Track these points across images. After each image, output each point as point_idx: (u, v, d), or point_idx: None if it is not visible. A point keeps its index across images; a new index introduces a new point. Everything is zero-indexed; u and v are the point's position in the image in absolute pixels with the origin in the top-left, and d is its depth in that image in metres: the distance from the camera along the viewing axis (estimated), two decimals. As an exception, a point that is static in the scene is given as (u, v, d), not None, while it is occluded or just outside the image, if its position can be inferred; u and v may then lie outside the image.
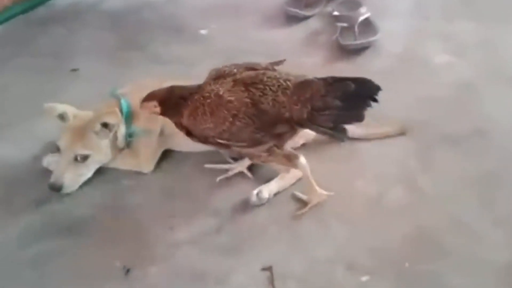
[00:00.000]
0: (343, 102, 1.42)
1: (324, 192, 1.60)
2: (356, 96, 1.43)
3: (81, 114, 1.71)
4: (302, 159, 1.55)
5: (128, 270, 1.46)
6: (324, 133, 1.48)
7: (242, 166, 1.70)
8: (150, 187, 1.69)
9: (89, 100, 1.85)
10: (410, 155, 1.71)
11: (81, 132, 1.66)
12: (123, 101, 1.70)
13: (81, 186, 1.69)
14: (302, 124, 1.48)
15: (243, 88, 1.47)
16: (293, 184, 1.65)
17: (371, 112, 1.81)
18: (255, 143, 1.51)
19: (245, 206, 1.61)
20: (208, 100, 1.48)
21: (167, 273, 1.46)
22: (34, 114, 1.92)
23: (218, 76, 1.53)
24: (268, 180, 1.65)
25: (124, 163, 1.74)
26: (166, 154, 1.77)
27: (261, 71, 1.52)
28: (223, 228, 1.56)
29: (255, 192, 1.60)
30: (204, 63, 1.78)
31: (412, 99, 1.91)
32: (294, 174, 1.64)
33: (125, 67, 2.15)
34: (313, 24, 2.34)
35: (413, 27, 2.26)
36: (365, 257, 1.45)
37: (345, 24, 2.18)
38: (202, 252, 1.50)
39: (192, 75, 1.70)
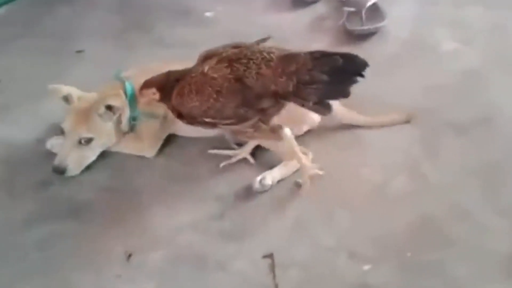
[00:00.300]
0: (330, 77, 1.42)
1: (314, 167, 1.60)
2: (344, 72, 1.42)
3: (85, 96, 1.70)
4: (287, 130, 1.54)
5: (129, 255, 1.47)
6: (308, 107, 1.47)
7: (245, 152, 1.69)
8: (153, 172, 1.69)
9: (94, 82, 1.84)
10: (415, 143, 1.70)
11: (85, 114, 1.65)
12: (127, 84, 1.69)
13: (85, 169, 1.69)
14: (287, 97, 1.47)
15: (226, 65, 1.48)
16: (296, 171, 1.64)
17: (376, 98, 1.83)
18: (241, 119, 1.52)
19: (248, 192, 1.60)
20: (194, 79, 1.48)
21: (168, 257, 1.46)
22: (39, 95, 1.92)
23: (206, 57, 1.53)
24: (271, 166, 1.64)
25: (127, 147, 1.74)
26: (170, 139, 1.76)
27: (245, 47, 1.51)
28: (226, 214, 1.56)
29: (258, 178, 1.60)
30: (209, 46, 1.76)
31: (418, 86, 1.89)
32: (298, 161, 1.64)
33: (131, 49, 2.14)
34: (320, 8, 2.32)
35: (421, 13, 2.23)
36: (367, 245, 1.45)
37: (352, 9, 2.16)
38: (204, 237, 1.50)
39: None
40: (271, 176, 1.60)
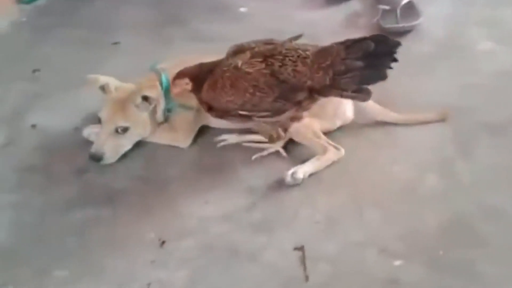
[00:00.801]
0: (364, 62, 1.42)
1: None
2: (377, 55, 1.42)
3: (122, 86, 1.73)
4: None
5: (163, 242, 1.49)
6: (347, 96, 1.48)
7: (278, 145, 1.71)
8: (186, 162, 1.71)
9: (129, 73, 1.88)
10: (448, 141, 1.69)
11: (122, 104, 1.69)
12: (163, 76, 1.72)
13: (120, 158, 1.72)
14: (325, 92, 1.48)
15: (261, 60, 1.49)
16: (328, 166, 1.65)
17: (410, 97, 1.83)
18: (277, 111, 1.53)
19: (279, 185, 1.62)
20: (227, 73, 1.50)
21: (200, 246, 1.48)
22: (76, 85, 1.96)
23: (237, 51, 1.55)
24: (303, 160, 1.66)
25: (162, 137, 1.76)
26: (203, 130, 1.78)
27: (279, 44, 1.53)
28: (257, 206, 1.57)
29: (290, 172, 1.61)
30: (243, 41, 1.78)
31: (453, 85, 1.88)
32: (329, 156, 1.65)
33: (166, 43, 2.17)
34: (354, 5, 2.32)
35: (457, 13, 2.22)
36: (398, 242, 1.45)
37: (387, 7, 2.16)
38: (235, 228, 1.52)
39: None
40: (303, 170, 1.62)
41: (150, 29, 2.27)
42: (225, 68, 1.51)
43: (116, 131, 1.69)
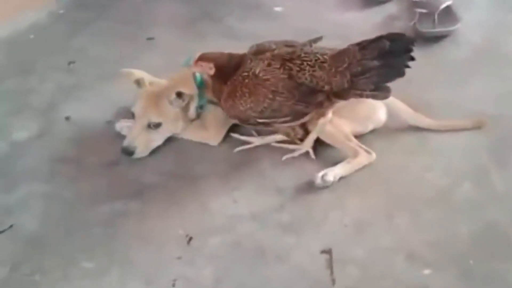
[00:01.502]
0: (380, 61, 1.43)
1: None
2: (393, 53, 1.43)
3: (156, 82, 1.74)
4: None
5: (190, 239, 1.50)
6: (367, 96, 1.48)
7: (307, 146, 1.69)
8: (216, 159, 1.71)
9: (162, 69, 1.89)
10: (482, 150, 1.66)
11: (155, 100, 1.69)
12: (197, 73, 1.72)
13: (150, 153, 1.73)
14: (344, 95, 1.49)
15: (279, 65, 1.51)
16: (359, 169, 1.63)
17: (445, 102, 1.80)
18: (298, 115, 1.55)
19: (309, 187, 1.60)
20: (246, 80, 1.52)
21: (227, 244, 1.48)
22: (110, 78, 1.98)
23: (257, 51, 1.57)
24: (332, 163, 1.64)
25: (193, 134, 1.77)
26: (234, 129, 1.78)
27: (299, 47, 1.54)
28: (285, 207, 1.57)
29: (320, 174, 1.60)
30: (277, 39, 1.78)
31: (489, 93, 1.85)
32: (361, 159, 1.63)
33: (200, 39, 2.17)
34: (391, 8, 2.29)
35: (495, 20, 2.18)
36: (428, 250, 1.43)
37: (424, 11, 2.13)
38: (263, 228, 1.52)
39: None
40: (333, 173, 1.60)
41: (184, 25, 2.28)
42: (244, 74, 1.53)
43: (149, 126, 1.70)
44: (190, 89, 1.68)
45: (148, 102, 1.70)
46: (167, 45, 2.17)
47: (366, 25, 2.19)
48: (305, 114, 1.56)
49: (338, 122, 1.65)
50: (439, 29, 2.08)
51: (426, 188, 1.58)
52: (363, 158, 1.63)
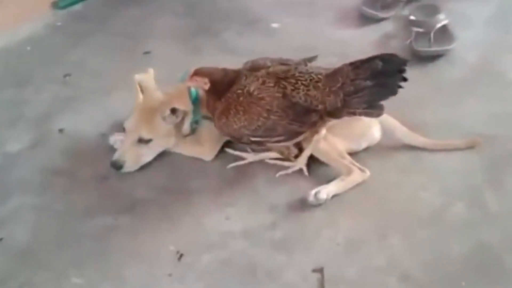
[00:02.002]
0: (373, 81, 1.45)
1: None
2: (385, 73, 1.45)
3: (151, 96, 1.73)
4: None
5: (181, 255, 1.49)
6: (360, 114, 1.49)
7: (301, 163, 1.69)
8: (209, 176, 1.71)
9: (159, 83, 1.89)
10: (477, 170, 1.66)
11: (149, 115, 1.69)
12: (192, 88, 1.72)
13: (143, 167, 1.72)
14: (337, 114, 1.51)
15: (273, 83, 1.52)
16: (353, 187, 1.62)
17: (440, 122, 1.79)
18: (292, 135, 1.56)
19: (302, 204, 1.60)
20: (241, 98, 1.53)
21: (218, 261, 1.47)
22: (106, 91, 1.99)
23: (252, 68, 1.58)
24: (326, 180, 1.63)
25: (186, 149, 1.76)
26: (228, 144, 1.77)
27: (294, 66, 1.56)
28: (278, 224, 1.56)
29: (313, 192, 1.59)
30: (274, 56, 1.78)
31: (484, 113, 1.85)
32: (354, 177, 1.63)
33: (196, 53, 2.18)
34: (387, 26, 2.30)
35: (491, 39, 2.18)
36: (420, 270, 1.42)
37: (420, 30, 2.13)
38: (255, 245, 1.51)
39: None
40: (326, 191, 1.60)
41: (181, 39, 2.28)
42: (239, 91, 1.54)
43: (139, 141, 1.69)
44: (185, 105, 1.68)
45: (141, 117, 1.69)
46: (164, 59, 2.16)
47: (363, 43, 2.20)
48: (299, 133, 1.57)
49: (332, 140, 1.65)
50: (435, 48, 2.08)
51: (420, 208, 1.57)
52: (357, 176, 1.63)
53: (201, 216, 1.59)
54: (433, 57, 2.08)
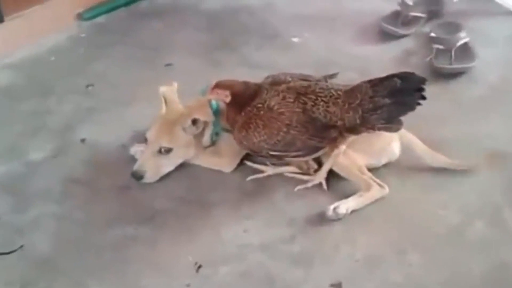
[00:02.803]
0: (391, 99, 1.47)
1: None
2: (403, 91, 1.47)
3: (174, 108, 1.75)
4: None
5: (199, 266, 1.49)
6: (379, 129, 1.51)
7: (321, 177, 1.69)
8: (228, 188, 1.72)
9: (179, 95, 1.91)
10: (497, 188, 1.65)
11: (170, 126, 1.71)
12: (213, 100, 1.74)
13: (163, 179, 1.74)
14: (355, 130, 1.52)
15: (293, 98, 1.54)
16: (372, 203, 1.62)
17: (460, 139, 1.79)
18: (311, 150, 1.57)
19: (321, 219, 1.60)
20: (261, 112, 1.55)
21: (237, 274, 1.48)
22: (127, 102, 2.02)
23: (273, 83, 1.60)
24: (345, 195, 1.64)
25: (206, 161, 1.77)
26: (248, 157, 1.78)
27: (314, 82, 1.57)
28: (296, 238, 1.56)
29: (332, 206, 1.59)
30: (293, 71, 1.80)
31: (504, 131, 1.85)
32: (373, 193, 1.62)
33: (217, 67, 2.19)
34: (408, 43, 2.30)
35: (512, 58, 2.18)
36: (439, 288, 1.41)
37: (441, 47, 2.13)
38: (273, 259, 1.51)
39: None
40: (345, 206, 1.60)
41: (201, 53, 2.30)
42: (259, 106, 1.55)
43: (160, 151, 1.70)
44: (206, 116, 1.70)
45: (162, 128, 1.71)
46: (185, 72, 2.19)
47: (383, 59, 2.20)
48: (318, 149, 1.58)
49: (352, 155, 1.65)
50: (456, 66, 2.08)
51: (439, 225, 1.57)
52: (376, 191, 1.62)
53: (219, 228, 1.59)
54: (453, 75, 2.08)
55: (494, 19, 2.37)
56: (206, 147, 1.76)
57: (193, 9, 2.55)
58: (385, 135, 1.65)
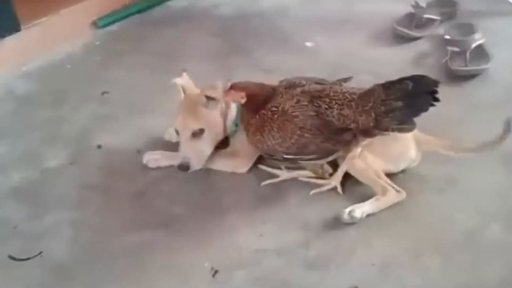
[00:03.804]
0: (404, 102, 1.47)
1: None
2: (416, 94, 1.47)
3: (192, 92, 1.77)
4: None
5: (216, 272, 1.49)
6: (393, 130, 1.51)
7: (336, 181, 1.68)
8: (244, 191, 1.72)
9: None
10: (513, 191, 1.64)
11: (191, 110, 1.72)
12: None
13: (178, 184, 1.74)
14: (369, 133, 1.53)
15: (307, 102, 1.54)
16: (388, 208, 1.61)
17: (478, 142, 1.77)
18: (325, 153, 1.57)
19: (336, 223, 1.59)
20: (275, 116, 1.55)
21: (252, 279, 1.48)
22: (142, 109, 2.03)
23: (288, 86, 1.60)
24: (360, 199, 1.63)
25: (222, 163, 1.78)
26: (262, 161, 1.78)
27: (328, 86, 1.58)
28: (312, 242, 1.56)
29: (347, 210, 1.59)
30: (306, 75, 1.80)
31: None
32: (389, 198, 1.61)
33: (230, 71, 2.19)
34: (422, 45, 2.29)
35: (528, 58, 2.16)
36: (456, 292, 1.40)
37: (456, 49, 2.12)
38: (289, 263, 1.51)
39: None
40: (361, 210, 1.59)
41: (215, 58, 2.31)
42: (274, 109, 1.56)
43: (194, 135, 1.71)
44: (217, 93, 1.70)
45: (186, 113, 1.72)
46: (198, 77, 2.17)
47: (397, 61, 2.19)
48: (332, 152, 1.58)
49: (369, 158, 1.64)
50: (471, 68, 2.06)
51: (455, 229, 1.56)
52: (392, 196, 1.61)
53: (235, 233, 1.60)
54: (469, 77, 2.06)
55: (509, 20, 2.35)
56: (219, 148, 1.77)
57: (206, 15, 2.57)
58: (403, 140, 1.64)
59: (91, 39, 2.45)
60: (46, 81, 2.24)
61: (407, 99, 1.47)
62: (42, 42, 2.33)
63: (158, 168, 1.79)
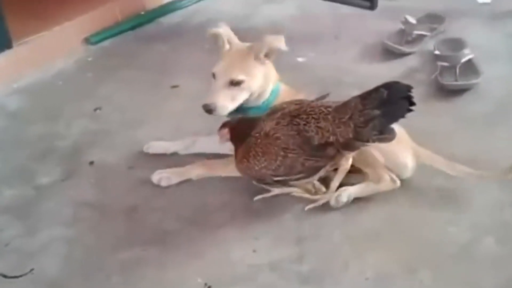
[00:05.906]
0: (381, 110, 1.47)
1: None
2: (392, 100, 1.48)
3: (236, 42, 1.78)
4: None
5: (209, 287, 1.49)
6: (374, 141, 1.51)
7: (330, 195, 1.69)
8: (237, 208, 1.71)
9: (187, 116, 1.92)
10: (507, 205, 1.65)
11: (239, 58, 1.72)
12: (278, 83, 1.79)
13: (170, 199, 1.74)
14: (350, 146, 1.53)
15: (287, 122, 1.57)
16: (382, 222, 1.62)
17: (466, 155, 1.79)
18: (312, 171, 1.59)
19: (330, 238, 1.59)
20: (258, 140, 1.58)
21: (246, 295, 1.47)
22: (134, 124, 2.04)
23: (270, 113, 1.63)
24: (355, 212, 1.64)
25: (223, 170, 1.79)
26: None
27: (306, 103, 1.60)
28: (306, 258, 1.55)
29: (335, 195, 1.63)
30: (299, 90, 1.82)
31: (510, 147, 1.84)
32: (382, 185, 1.66)
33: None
34: (412, 61, 2.32)
35: (517, 74, 2.19)
36: (450, 307, 1.40)
37: (446, 64, 2.14)
38: (283, 279, 1.50)
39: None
40: (347, 193, 1.64)
41: (208, 74, 2.28)
42: (256, 135, 1.59)
43: (231, 83, 1.71)
44: (282, 44, 1.72)
45: (231, 62, 1.73)
46: (191, 93, 2.20)
47: (388, 77, 2.15)
48: (318, 168, 1.59)
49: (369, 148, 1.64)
50: (461, 82, 2.09)
51: (449, 243, 1.56)
52: (385, 185, 1.65)
53: (228, 249, 1.59)
54: (459, 91, 2.09)
55: (498, 35, 2.39)
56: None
57: (197, 31, 2.58)
58: (399, 151, 1.67)
59: (83, 55, 2.45)
60: (39, 97, 2.24)
61: (384, 107, 1.47)
62: (34, 59, 2.33)
63: (153, 184, 1.79)
